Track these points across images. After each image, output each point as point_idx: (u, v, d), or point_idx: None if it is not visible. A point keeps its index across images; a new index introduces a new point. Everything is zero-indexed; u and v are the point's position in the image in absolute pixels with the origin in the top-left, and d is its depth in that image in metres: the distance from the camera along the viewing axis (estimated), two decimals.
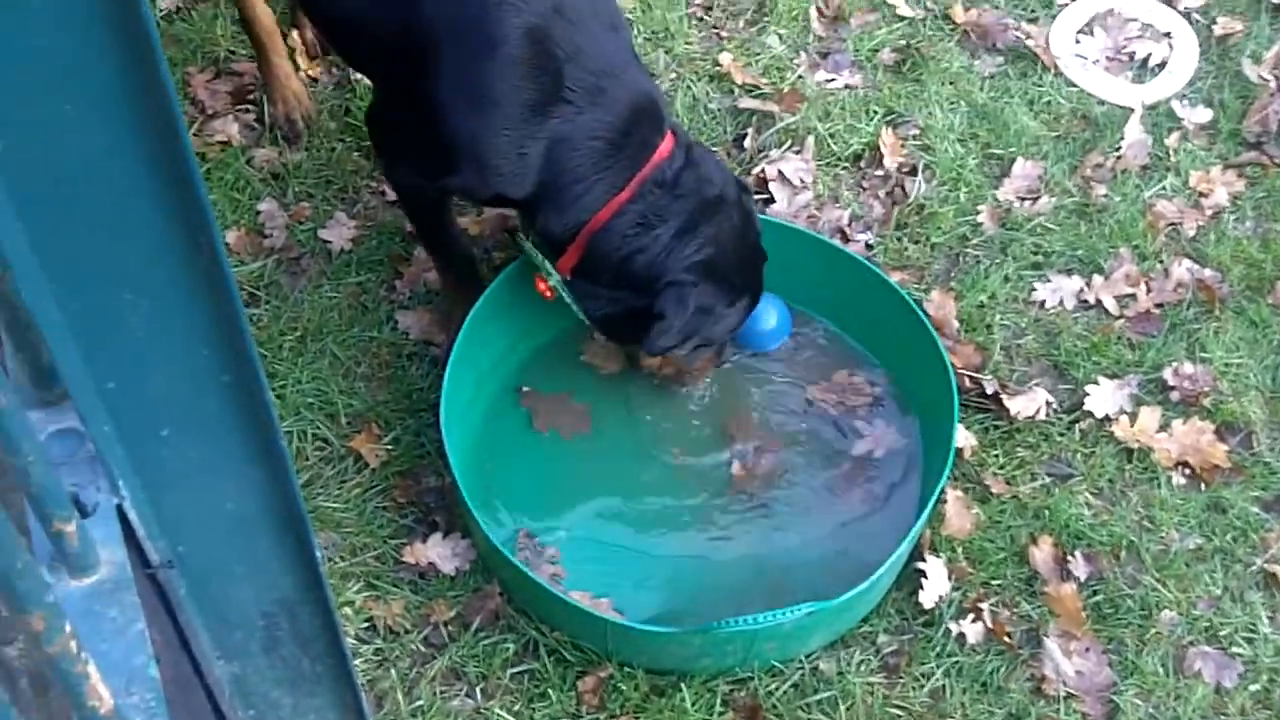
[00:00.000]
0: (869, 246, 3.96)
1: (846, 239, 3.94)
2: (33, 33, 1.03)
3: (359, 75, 4.20)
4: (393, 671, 3.26)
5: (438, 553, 3.39)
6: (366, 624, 3.32)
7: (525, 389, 3.69)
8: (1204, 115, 4.29)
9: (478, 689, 3.25)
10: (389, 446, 3.56)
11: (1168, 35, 4.50)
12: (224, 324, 1.29)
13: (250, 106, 4.18)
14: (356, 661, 3.21)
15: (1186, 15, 4.54)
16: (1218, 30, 4.49)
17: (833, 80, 4.32)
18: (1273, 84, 4.33)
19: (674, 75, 4.33)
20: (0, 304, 1.33)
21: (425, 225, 3.63)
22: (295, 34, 4.24)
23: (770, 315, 3.71)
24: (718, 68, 4.32)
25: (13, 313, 1.35)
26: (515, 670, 3.27)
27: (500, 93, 3.14)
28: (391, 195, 3.98)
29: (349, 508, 3.48)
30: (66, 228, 1.15)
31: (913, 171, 4.13)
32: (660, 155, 3.27)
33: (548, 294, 3.44)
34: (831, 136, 4.16)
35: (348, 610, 3.31)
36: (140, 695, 1.31)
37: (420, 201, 3.54)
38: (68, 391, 1.32)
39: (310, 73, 4.24)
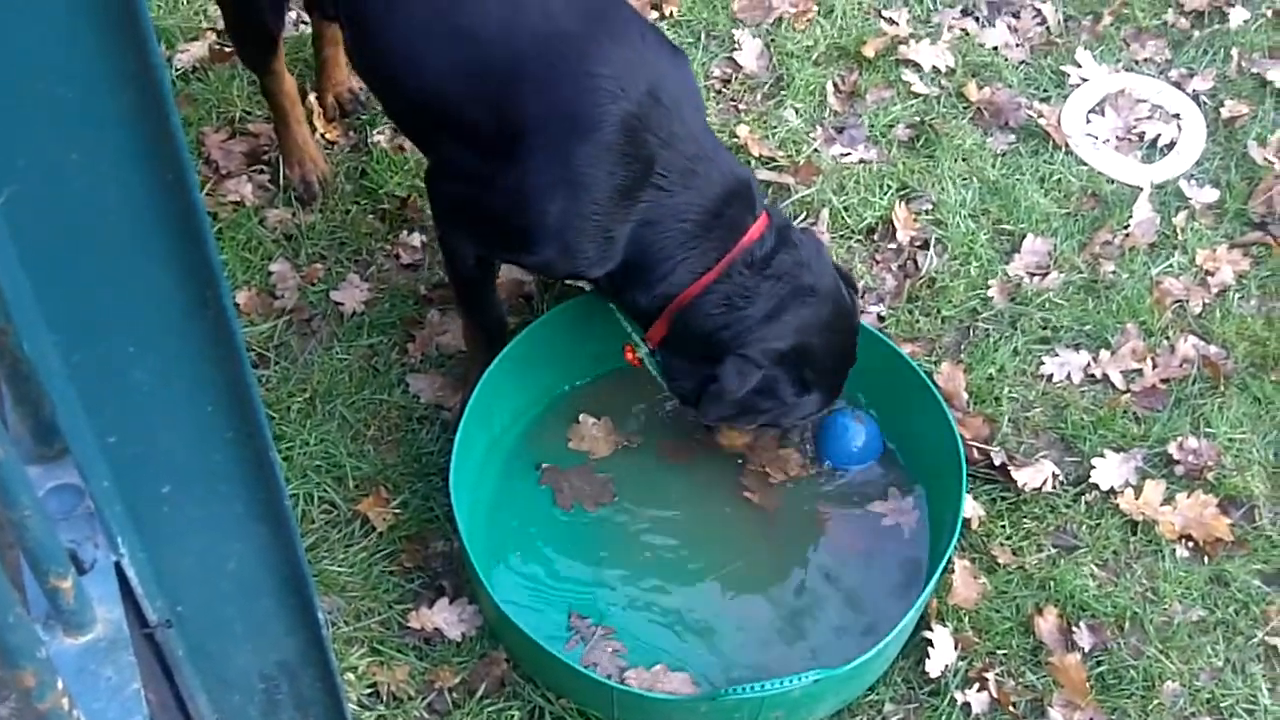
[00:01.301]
0: (881, 318, 3.98)
1: (859, 311, 3.95)
2: (45, 81, 1.03)
3: (378, 139, 4.23)
4: None
5: (444, 618, 3.38)
6: (370, 690, 3.31)
7: (545, 465, 3.68)
8: (1211, 195, 4.31)
9: None
10: (397, 510, 3.56)
11: (1177, 117, 4.53)
12: (230, 379, 1.28)
13: (264, 167, 4.20)
14: None
15: (1195, 98, 4.57)
16: (1225, 113, 4.51)
17: (848, 154, 4.35)
18: (1278, 166, 4.35)
19: None
20: (1, 355, 1.33)
21: (471, 289, 3.61)
22: (313, 98, 4.26)
23: (859, 435, 3.70)
24: (735, 139, 4.34)
25: (14, 364, 1.34)
26: None
27: (592, 179, 3.15)
28: (406, 259, 4.00)
29: (354, 572, 3.47)
30: (71, 279, 1.15)
31: (925, 245, 4.14)
32: (750, 237, 3.28)
33: (635, 362, 3.50)
34: (846, 209, 4.18)
35: (350, 676, 3.29)
36: None
37: (474, 269, 3.54)
38: (68, 446, 1.31)
39: (327, 136, 4.26)
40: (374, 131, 4.28)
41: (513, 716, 3.28)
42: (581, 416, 3.72)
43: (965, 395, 3.83)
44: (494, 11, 3.19)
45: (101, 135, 1.09)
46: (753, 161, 4.30)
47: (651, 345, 3.41)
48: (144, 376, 1.25)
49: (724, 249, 3.26)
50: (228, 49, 4.43)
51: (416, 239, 4.05)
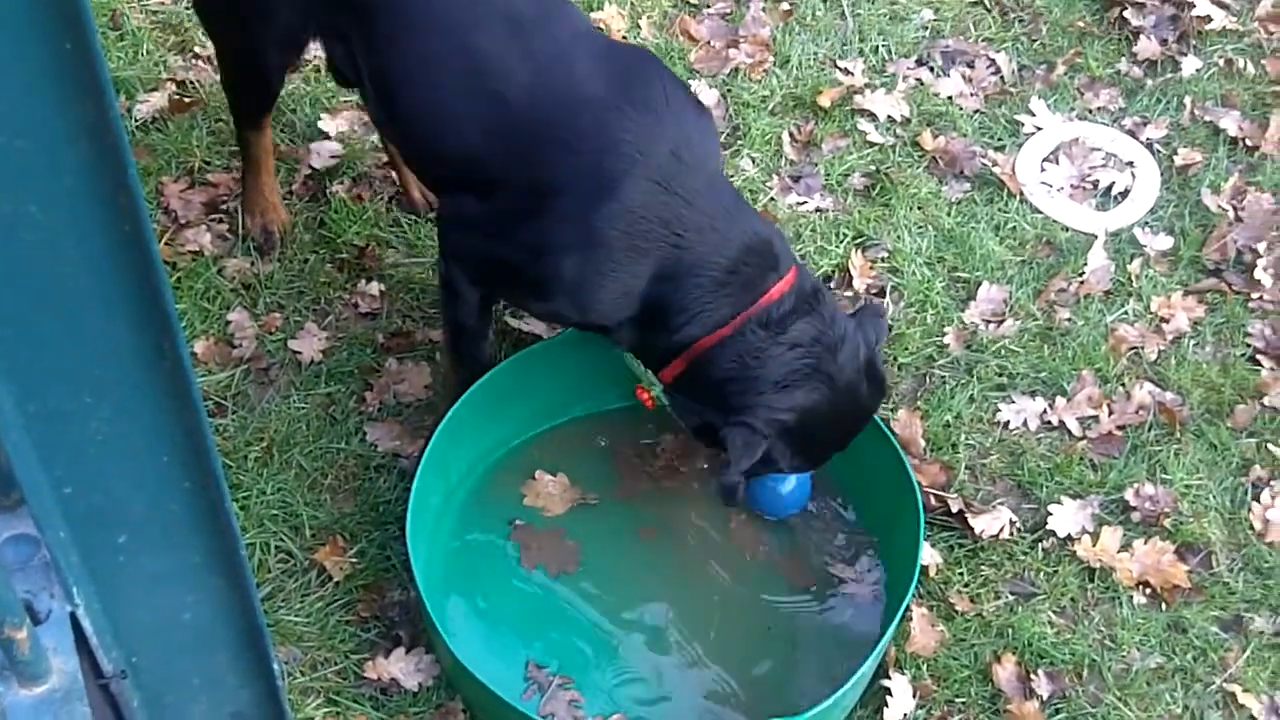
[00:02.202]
0: None
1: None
2: (2, 134, 1.04)
3: (336, 190, 4.23)
4: None
5: (400, 668, 3.37)
6: None
7: (519, 522, 3.66)
8: (1165, 243, 4.35)
9: None
10: (354, 560, 3.55)
11: (1130, 165, 4.56)
12: (186, 430, 1.28)
13: (223, 217, 4.19)
14: None
15: (1149, 145, 4.61)
16: (1179, 160, 4.55)
17: (804, 203, 4.37)
18: (1231, 213, 4.39)
19: None
20: None
21: (467, 334, 3.62)
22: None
23: (788, 481, 3.66)
24: None
25: None
26: None
27: (611, 239, 3.18)
28: (364, 307, 4.00)
29: (311, 621, 3.46)
30: (28, 329, 1.14)
31: (881, 293, 4.16)
32: (770, 297, 3.26)
33: (649, 403, 3.51)
34: (803, 257, 4.19)
35: None
36: None
37: (475, 313, 3.57)
38: (23, 496, 1.31)
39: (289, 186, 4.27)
40: (333, 182, 4.28)
41: None
42: (538, 473, 3.71)
43: (922, 442, 3.84)
44: (519, 76, 3.22)
45: (59, 187, 1.09)
46: None
47: (667, 382, 3.39)
48: (100, 427, 1.25)
49: (740, 305, 3.25)
50: (187, 99, 4.43)
51: (375, 288, 4.04)
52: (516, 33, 3.26)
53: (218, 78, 4.40)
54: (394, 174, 4.26)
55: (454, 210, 3.47)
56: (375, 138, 4.38)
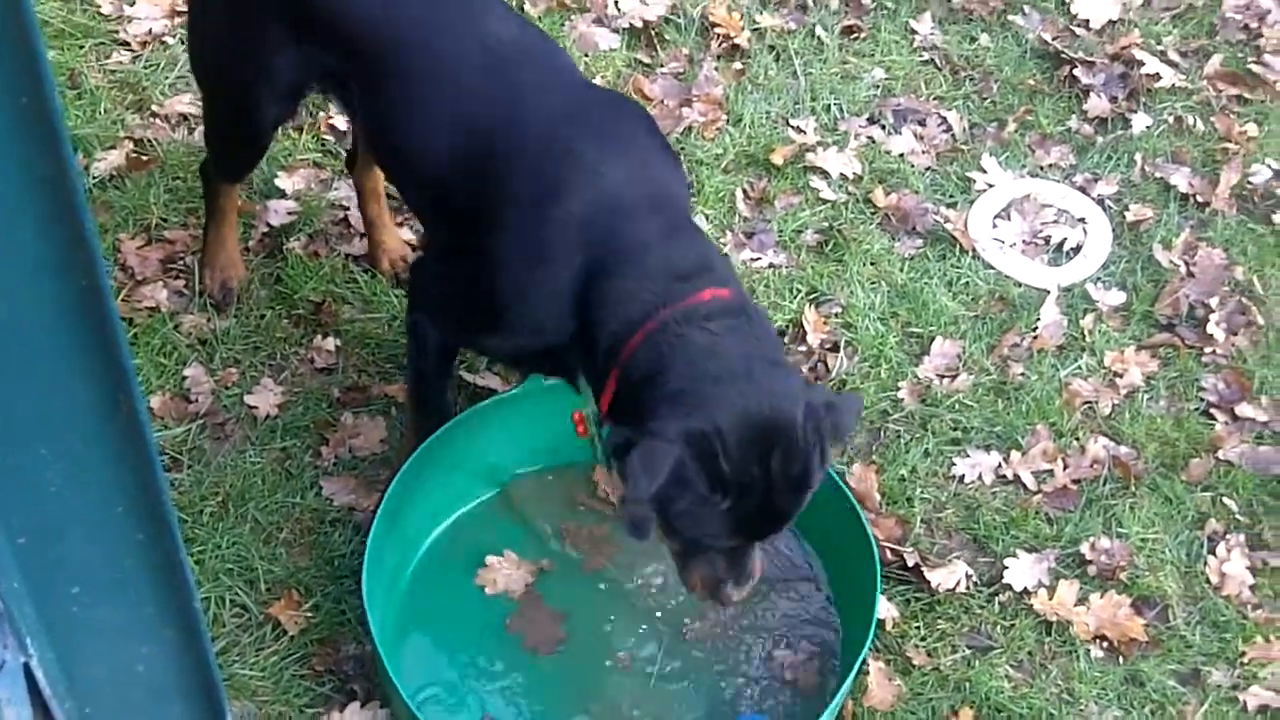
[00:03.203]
0: None
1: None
2: None
3: (293, 246, 4.24)
4: None
5: None
6: None
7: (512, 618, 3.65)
8: (1118, 298, 4.38)
9: None
10: (309, 614, 3.54)
11: (1082, 221, 4.60)
12: (141, 483, 1.28)
13: (180, 273, 4.19)
14: None
15: (1100, 202, 4.65)
16: (1130, 216, 4.60)
17: (758, 259, 4.39)
18: (1183, 269, 4.44)
19: None
20: None
21: (427, 382, 3.62)
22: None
23: None
24: None
25: None
26: None
27: (552, 246, 3.16)
28: (320, 363, 4.00)
29: (265, 676, 3.44)
30: None
31: (835, 348, 4.18)
32: (699, 297, 3.08)
33: (580, 429, 3.37)
34: None
35: None
36: None
37: (436, 358, 3.56)
38: None
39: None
40: (289, 238, 4.28)
41: None
42: (488, 559, 3.68)
43: (878, 496, 3.85)
44: (499, 108, 3.27)
45: (15, 240, 1.09)
46: None
47: (603, 413, 3.21)
48: (56, 479, 1.25)
49: (666, 302, 3.09)
50: (144, 157, 4.44)
51: (330, 343, 4.05)
52: (501, 69, 3.30)
53: (175, 135, 4.42)
54: (368, 236, 4.29)
55: (427, 249, 3.54)
56: (331, 195, 4.40)
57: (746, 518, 2.96)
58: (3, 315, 1.12)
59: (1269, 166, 4.78)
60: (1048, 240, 4.56)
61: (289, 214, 4.35)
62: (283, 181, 4.41)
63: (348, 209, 4.37)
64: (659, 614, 3.63)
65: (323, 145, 4.56)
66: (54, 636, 1.36)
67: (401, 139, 3.45)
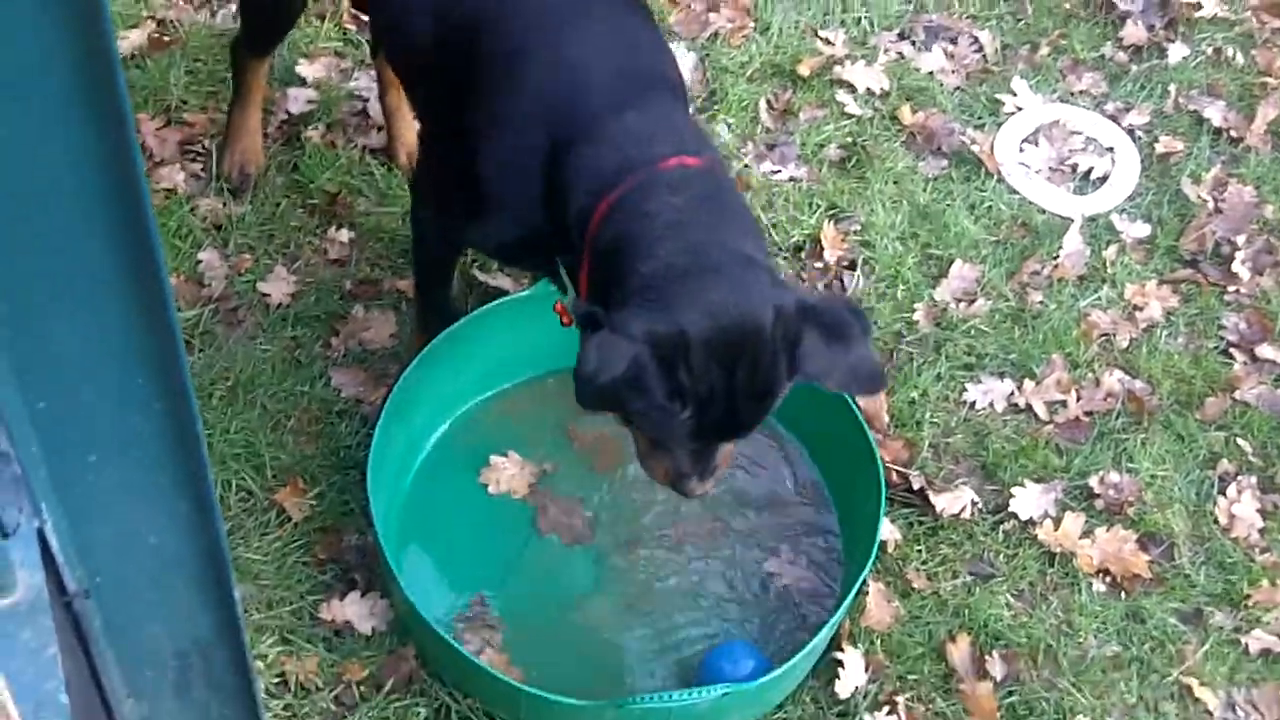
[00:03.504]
0: None
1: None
2: None
3: (310, 135, 4.21)
4: None
5: (355, 611, 3.36)
6: (278, 679, 3.28)
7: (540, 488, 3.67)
8: (1142, 230, 4.34)
9: None
10: (313, 502, 3.54)
11: (1110, 150, 4.56)
12: (161, 351, 1.27)
13: (198, 156, 4.17)
14: (265, 716, 3.16)
15: (1130, 132, 4.61)
16: (1159, 148, 4.55)
17: (778, 172, 4.35)
18: (1210, 204, 4.39)
19: None
20: None
21: (432, 273, 3.61)
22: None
23: (747, 663, 3.33)
24: None
25: None
26: None
27: (518, 124, 3.09)
28: (333, 254, 3.98)
29: (268, 560, 3.44)
30: (7, 239, 1.13)
31: (852, 266, 4.15)
32: (665, 164, 2.93)
33: (565, 319, 3.20)
34: (774, 226, 4.19)
35: (260, 664, 3.26)
36: None
37: (438, 250, 3.54)
38: None
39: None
40: (307, 127, 4.25)
41: (419, 713, 3.25)
42: (492, 459, 3.68)
43: (886, 418, 3.83)
44: None
45: (45, 93, 1.06)
46: None
47: (582, 299, 3.06)
48: (75, 342, 1.24)
49: (632, 167, 2.95)
50: (166, 38, 4.41)
51: (344, 235, 4.03)
52: None
53: (197, 17, 4.40)
54: (388, 128, 4.25)
55: (423, 139, 3.50)
56: (351, 85, 4.37)
57: (707, 425, 2.83)
58: (25, 165, 1.10)
59: None
60: (1074, 168, 4.52)
61: (308, 103, 4.32)
62: (303, 69, 4.38)
63: (366, 100, 4.34)
64: (659, 518, 3.65)
65: (344, 34, 4.52)
66: (68, 503, 1.36)
67: (393, 11, 3.42)
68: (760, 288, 2.80)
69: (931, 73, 4.69)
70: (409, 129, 4.13)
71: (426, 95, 3.43)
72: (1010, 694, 3.41)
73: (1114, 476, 3.77)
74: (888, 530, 3.58)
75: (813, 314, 2.80)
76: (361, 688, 3.29)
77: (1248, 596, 3.61)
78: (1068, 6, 4.93)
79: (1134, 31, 4.86)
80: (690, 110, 3.29)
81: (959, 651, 3.44)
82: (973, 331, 4.04)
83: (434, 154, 3.41)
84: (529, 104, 3.08)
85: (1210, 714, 3.44)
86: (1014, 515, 3.69)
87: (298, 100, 4.33)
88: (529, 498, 3.65)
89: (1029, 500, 3.71)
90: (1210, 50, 4.85)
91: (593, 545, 3.59)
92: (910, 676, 3.41)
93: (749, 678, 3.22)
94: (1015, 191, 4.41)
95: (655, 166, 2.92)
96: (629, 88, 3.07)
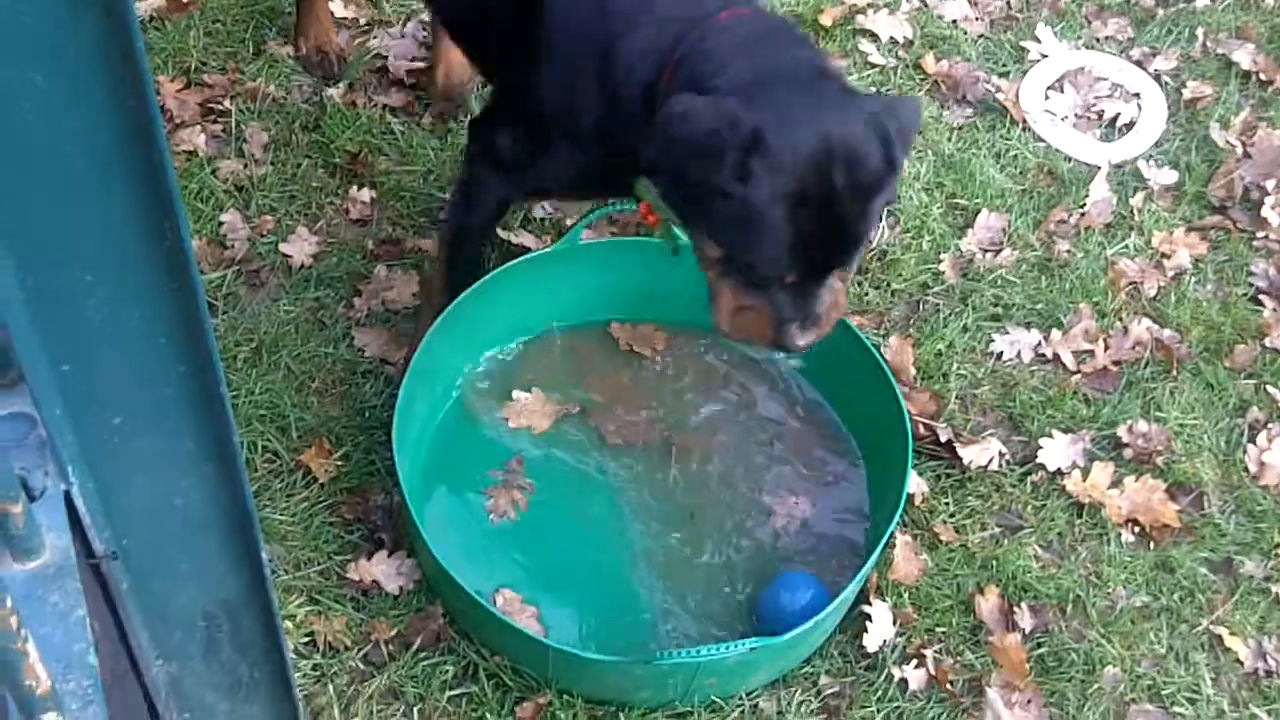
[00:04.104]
0: None
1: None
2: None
3: (331, 94, 4.20)
4: (330, 688, 3.23)
5: (382, 570, 3.36)
6: (306, 639, 3.29)
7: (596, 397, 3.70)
8: (1170, 177, 4.31)
9: (415, 709, 3.21)
10: (339, 462, 3.53)
11: (1137, 96, 4.53)
12: (185, 314, 1.27)
13: (218, 118, 4.17)
14: (294, 676, 3.17)
15: (1156, 77, 4.57)
16: (1187, 94, 4.52)
17: None
18: (1239, 150, 4.36)
19: None
20: None
21: (470, 237, 3.58)
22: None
23: (806, 593, 3.33)
24: None
25: None
26: (454, 693, 3.24)
27: (568, 38, 3.07)
28: (355, 214, 3.97)
29: (295, 521, 3.44)
30: (28, 203, 1.13)
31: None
32: (716, 20, 2.89)
33: (649, 217, 3.22)
34: None
35: (288, 624, 3.26)
36: (78, 681, 1.30)
37: (486, 209, 3.49)
38: (22, 374, 1.30)
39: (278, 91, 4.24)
40: (328, 86, 4.24)
41: (447, 671, 3.26)
42: (515, 393, 3.68)
43: (913, 370, 3.82)
44: None
45: (64, 56, 1.06)
46: None
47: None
48: (100, 306, 1.24)
49: (686, 37, 2.92)
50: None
51: (366, 194, 4.02)
52: None
53: None
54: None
55: (481, 111, 3.51)
56: (371, 44, 4.36)
57: (806, 238, 2.67)
58: (48, 133, 1.10)
59: None
60: (1101, 115, 4.48)
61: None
62: None
63: (385, 58, 4.33)
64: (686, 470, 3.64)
65: None
66: (94, 466, 1.37)
67: None
68: (841, 94, 2.80)
69: (955, 21, 4.67)
70: (455, 51, 4.09)
71: (482, 51, 3.47)
72: (1039, 645, 3.40)
73: (1142, 426, 3.75)
74: (915, 483, 3.57)
75: (894, 111, 2.78)
76: (390, 646, 3.29)
77: (1278, 545, 3.60)
78: None
79: None
80: None
81: (987, 604, 3.43)
82: (999, 282, 4.02)
83: (497, 109, 3.41)
84: (574, 22, 3.06)
85: (1241, 663, 3.43)
86: (1042, 466, 3.67)
87: None
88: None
89: (1057, 451, 3.69)
90: None
91: (618, 501, 3.58)
92: (938, 629, 3.40)
93: (807, 607, 3.22)
94: (1041, 140, 4.39)
95: (708, 22, 2.88)
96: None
